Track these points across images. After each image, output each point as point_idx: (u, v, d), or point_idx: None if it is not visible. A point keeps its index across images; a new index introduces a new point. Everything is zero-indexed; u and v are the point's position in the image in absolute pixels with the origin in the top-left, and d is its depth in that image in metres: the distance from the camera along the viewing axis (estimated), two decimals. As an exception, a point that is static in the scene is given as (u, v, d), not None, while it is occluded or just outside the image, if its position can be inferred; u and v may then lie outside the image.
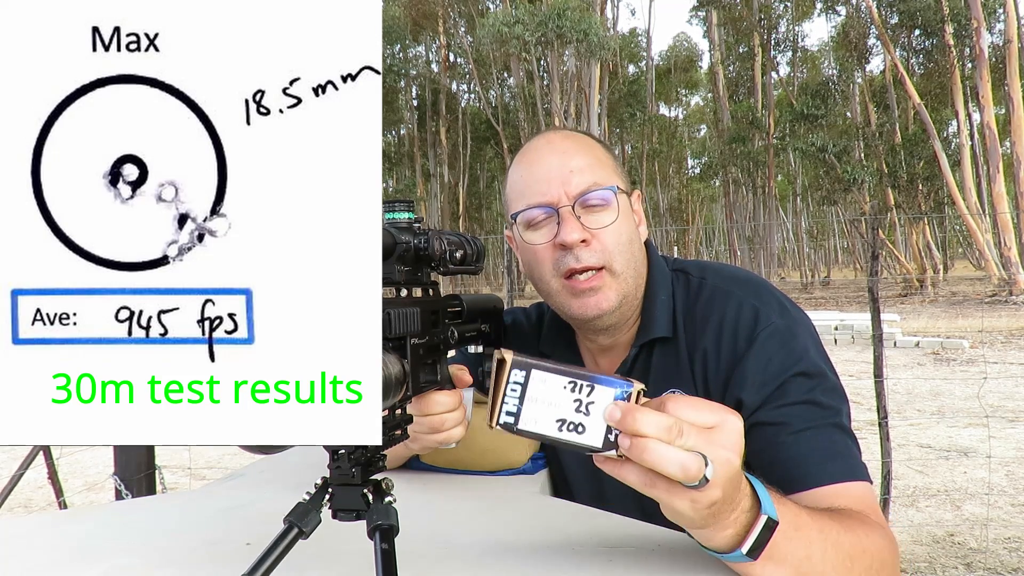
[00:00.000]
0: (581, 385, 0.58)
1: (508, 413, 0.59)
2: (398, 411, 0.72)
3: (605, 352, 1.07)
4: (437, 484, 1.07)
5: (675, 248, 37.21)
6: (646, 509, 0.99)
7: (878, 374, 3.20)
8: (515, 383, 0.59)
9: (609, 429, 0.58)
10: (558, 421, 0.58)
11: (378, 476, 0.66)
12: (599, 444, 0.58)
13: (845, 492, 0.81)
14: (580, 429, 0.58)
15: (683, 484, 0.57)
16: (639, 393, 0.59)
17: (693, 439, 0.56)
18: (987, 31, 18.00)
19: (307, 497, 0.63)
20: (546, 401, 0.59)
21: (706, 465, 0.56)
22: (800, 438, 0.84)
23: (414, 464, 1.13)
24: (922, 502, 3.90)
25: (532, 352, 1.13)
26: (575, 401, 0.58)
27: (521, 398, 0.59)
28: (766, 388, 0.89)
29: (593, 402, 0.58)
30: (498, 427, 0.60)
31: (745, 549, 0.62)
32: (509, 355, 0.59)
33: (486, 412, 1.07)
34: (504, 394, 0.59)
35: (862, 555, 0.70)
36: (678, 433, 0.56)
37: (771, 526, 0.62)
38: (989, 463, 4.08)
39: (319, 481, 0.65)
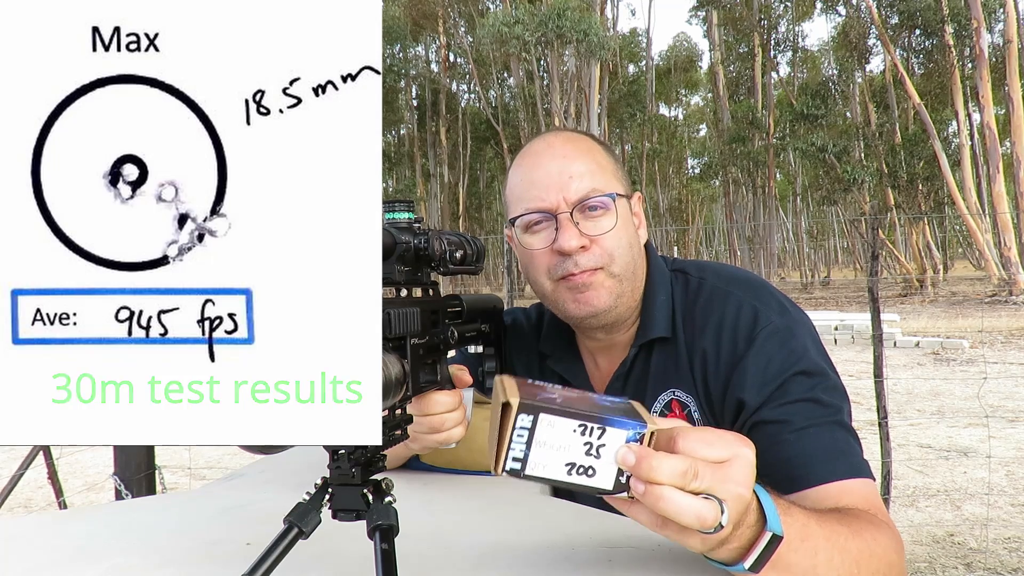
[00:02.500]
0: (592, 428, 0.56)
1: (515, 459, 0.56)
2: (398, 411, 0.72)
3: (604, 352, 1.07)
4: (437, 484, 1.07)
5: (675, 248, 37.21)
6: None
7: (878, 374, 3.20)
8: (522, 428, 0.56)
9: (620, 471, 0.56)
10: (567, 465, 0.56)
11: (378, 476, 0.66)
12: (610, 487, 0.56)
13: (849, 489, 0.81)
14: (590, 472, 0.56)
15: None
16: (652, 435, 0.56)
17: (708, 479, 0.55)
18: (987, 31, 18.00)
19: (307, 497, 0.63)
20: (555, 445, 0.56)
21: (721, 512, 0.55)
22: (802, 436, 0.84)
23: (414, 464, 1.13)
24: (922, 502, 3.90)
25: (532, 353, 1.14)
26: (585, 444, 0.56)
27: (528, 443, 0.56)
28: (767, 387, 0.89)
29: (604, 444, 0.56)
30: (504, 474, 0.57)
31: (748, 564, 0.62)
32: (515, 399, 0.56)
33: (486, 411, 1.07)
34: (510, 440, 0.56)
35: (869, 559, 0.70)
36: (693, 476, 0.54)
37: (775, 542, 0.61)
38: (989, 463, 4.08)
39: (319, 481, 0.65)
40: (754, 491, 0.62)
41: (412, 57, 29.73)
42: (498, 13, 22.31)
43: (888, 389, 3.27)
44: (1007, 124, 17.11)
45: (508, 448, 0.56)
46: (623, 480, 0.56)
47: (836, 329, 10.83)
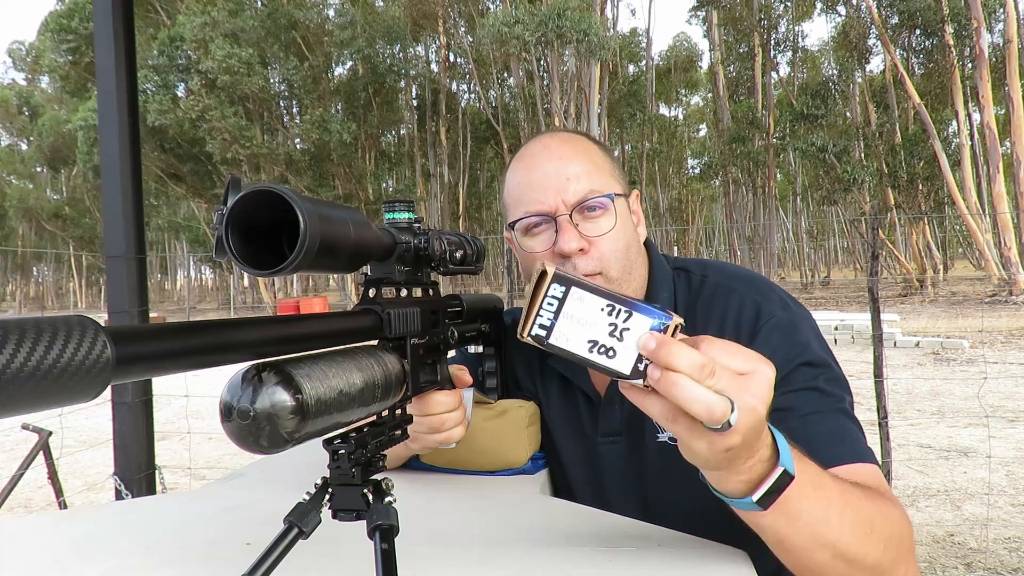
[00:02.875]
0: (619, 310, 0.57)
1: (541, 326, 0.58)
2: (398, 411, 0.72)
3: (605, 352, 1.07)
4: (437, 484, 1.07)
5: (675, 248, 37.22)
6: (646, 509, 0.99)
7: (878, 374, 3.20)
8: (553, 297, 0.57)
9: (640, 358, 0.57)
10: (590, 342, 0.57)
11: (378, 476, 0.66)
12: (627, 371, 0.57)
13: (857, 472, 0.80)
14: (611, 353, 0.57)
15: (704, 425, 0.56)
16: (676, 328, 0.57)
17: (724, 382, 0.55)
18: (987, 31, 18.00)
19: (307, 497, 0.63)
20: (581, 320, 0.57)
21: (732, 411, 0.55)
22: (807, 421, 0.84)
23: (414, 464, 1.13)
24: (922, 502, 3.90)
25: (532, 353, 1.14)
26: (610, 325, 0.57)
27: (556, 313, 0.57)
28: None
29: (628, 328, 0.57)
30: (529, 338, 0.58)
31: (756, 497, 0.61)
32: (552, 267, 0.58)
33: (486, 411, 1.07)
34: (540, 306, 0.58)
35: (883, 523, 0.69)
36: (710, 373, 0.55)
37: (786, 478, 0.61)
38: (989, 463, 4.08)
39: (319, 481, 0.65)
40: (770, 429, 0.62)
41: (412, 57, 29.69)
42: (498, 13, 22.32)
43: (888, 389, 3.28)
44: (1007, 124, 17.11)
45: (537, 314, 0.57)
46: (641, 367, 0.57)
47: (836, 329, 10.83)
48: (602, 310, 0.57)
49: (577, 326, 0.57)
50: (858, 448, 0.84)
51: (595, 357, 0.57)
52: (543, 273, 0.58)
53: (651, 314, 0.57)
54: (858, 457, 0.82)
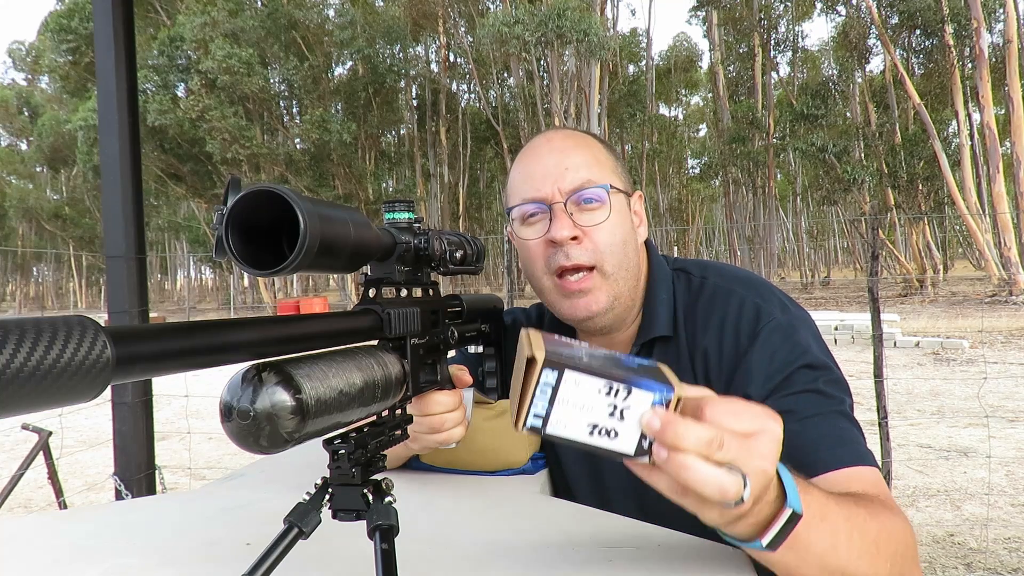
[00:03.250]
0: (618, 388, 0.53)
1: (536, 416, 0.54)
2: (398, 411, 0.72)
3: (605, 351, 1.07)
4: (437, 484, 1.07)
5: (675, 248, 37.22)
6: (646, 509, 0.99)
7: (878, 374, 3.20)
8: (546, 384, 0.53)
9: (643, 435, 0.54)
10: (590, 426, 0.54)
11: (378, 476, 0.66)
12: (632, 451, 0.54)
13: (857, 476, 0.80)
14: (612, 434, 0.54)
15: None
16: (679, 401, 0.54)
17: (734, 452, 0.53)
18: (987, 31, 18.00)
19: (307, 497, 0.63)
20: (578, 404, 0.54)
21: (744, 485, 0.53)
22: (807, 425, 0.84)
23: (414, 464, 1.13)
24: (922, 502, 3.90)
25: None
26: (610, 405, 0.54)
27: (551, 400, 0.53)
28: (771, 381, 0.89)
29: (629, 407, 0.54)
30: (525, 431, 0.54)
31: (765, 541, 0.60)
32: (541, 352, 0.53)
33: (486, 411, 1.07)
34: (533, 396, 0.53)
35: (888, 540, 0.69)
36: (719, 446, 0.53)
37: (794, 519, 0.60)
38: (989, 463, 4.08)
39: (319, 481, 0.65)
40: (776, 470, 0.60)
41: (412, 57, 29.70)
42: (498, 13, 22.32)
43: (888, 389, 3.28)
44: (1007, 124, 17.11)
45: (531, 404, 0.54)
46: (645, 445, 0.54)
47: (836, 329, 10.83)
48: (600, 391, 0.53)
49: (575, 411, 0.54)
50: (858, 451, 0.84)
51: (597, 441, 0.54)
52: (531, 360, 0.53)
53: (651, 388, 0.54)
54: (858, 460, 0.82)
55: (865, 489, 0.78)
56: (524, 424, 0.54)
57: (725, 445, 0.53)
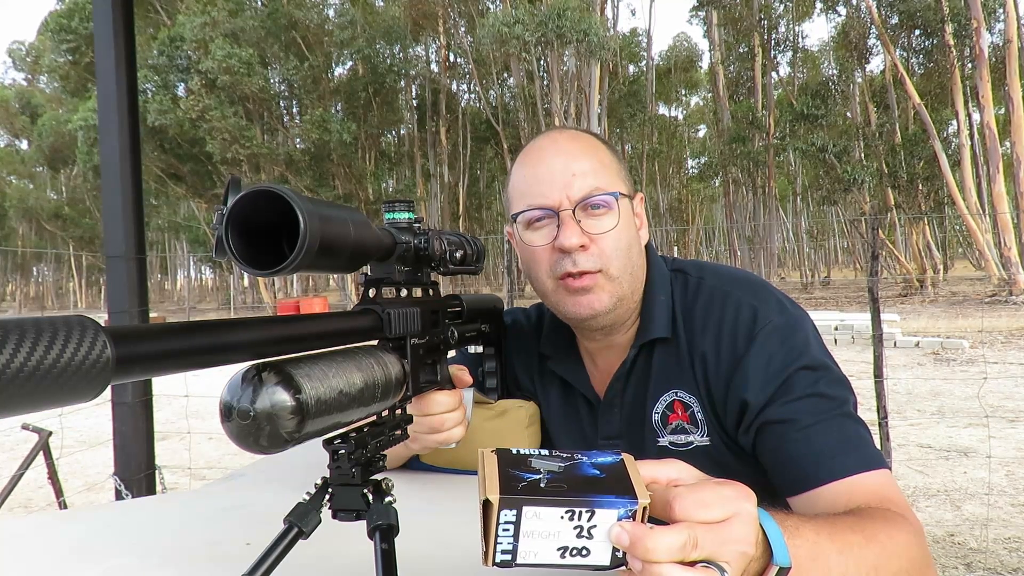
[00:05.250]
0: (580, 512, 0.53)
1: (504, 551, 0.53)
2: (398, 411, 0.72)
3: (604, 353, 1.07)
4: (437, 484, 1.07)
5: (675, 248, 37.22)
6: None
7: (878, 374, 3.20)
8: (507, 523, 0.53)
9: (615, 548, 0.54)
10: (559, 549, 0.54)
11: (378, 476, 0.66)
12: (607, 563, 0.54)
13: (862, 483, 0.80)
14: (585, 552, 0.54)
15: None
16: (644, 510, 0.53)
17: (708, 547, 0.53)
18: (987, 31, 18.00)
19: (307, 497, 0.63)
20: (544, 533, 0.53)
21: (722, 573, 0.53)
22: (810, 433, 0.84)
23: (414, 464, 1.13)
24: (922, 502, 3.90)
25: (532, 353, 1.14)
26: (575, 527, 0.53)
27: (515, 535, 0.53)
28: (770, 385, 0.89)
29: (595, 525, 0.53)
30: (494, 567, 0.54)
31: None
32: (495, 495, 0.52)
33: (486, 411, 1.07)
34: (496, 535, 0.53)
35: (888, 561, 0.68)
36: (692, 547, 0.52)
37: (783, 574, 0.59)
38: (989, 463, 4.08)
39: (319, 481, 0.65)
40: (759, 521, 0.60)
41: (412, 57, 29.69)
42: (498, 13, 22.32)
43: (888, 389, 3.28)
44: (1007, 124, 17.11)
45: (495, 543, 0.53)
46: (620, 555, 0.54)
47: (836, 329, 10.83)
48: (562, 518, 0.53)
49: (541, 540, 0.53)
50: (864, 455, 0.83)
51: (570, 560, 0.54)
52: (487, 503, 0.53)
53: (614, 505, 0.53)
54: (865, 465, 0.82)
55: (869, 498, 0.78)
56: (493, 561, 0.54)
57: (699, 544, 0.53)
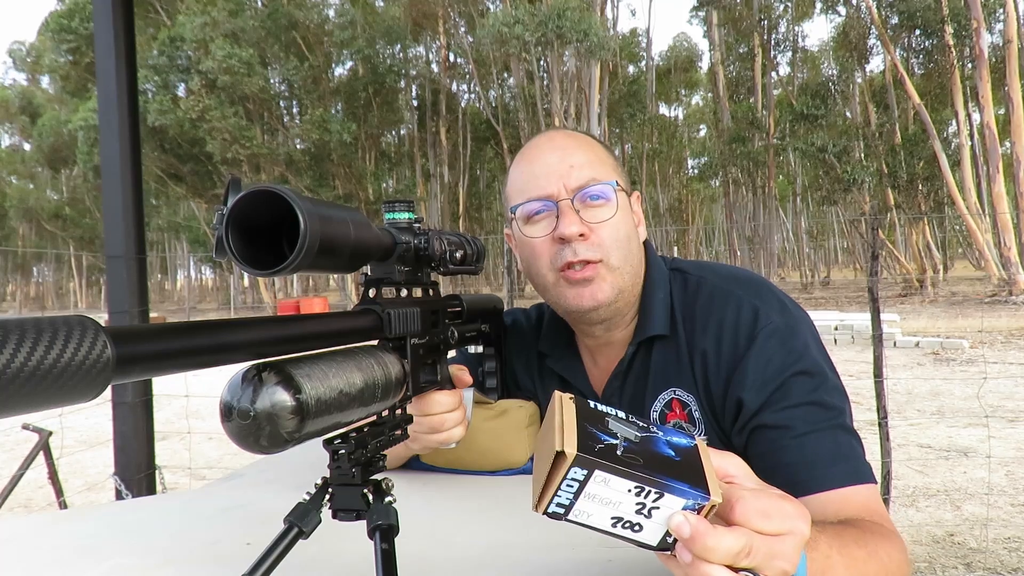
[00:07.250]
0: (649, 491, 0.52)
1: (560, 505, 0.52)
2: (398, 411, 0.72)
3: (603, 350, 1.07)
4: (437, 484, 1.07)
5: (675, 248, 37.22)
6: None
7: (878, 374, 3.19)
8: (573, 479, 0.51)
9: (669, 532, 0.53)
10: (614, 518, 0.53)
11: (378, 476, 0.66)
12: (654, 543, 0.54)
13: (851, 496, 0.81)
14: (636, 528, 0.53)
15: None
16: (712, 508, 0.52)
17: (759, 558, 0.52)
18: (987, 31, 18.00)
19: (307, 497, 0.63)
20: (605, 500, 0.52)
21: None
22: (804, 441, 0.84)
23: (414, 464, 1.13)
24: (922, 502, 3.90)
25: (531, 353, 1.14)
26: (638, 504, 0.52)
27: (577, 493, 0.52)
28: (767, 388, 0.89)
29: (658, 508, 0.52)
30: (544, 515, 0.53)
31: None
32: (572, 450, 0.51)
33: (486, 411, 1.07)
34: (558, 487, 0.52)
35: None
36: (746, 555, 0.52)
37: None
38: (989, 463, 4.08)
39: (319, 481, 0.65)
40: None
41: (412, 57, 29.67)
42: (498, 13, 22.31)
43: (888, 389, 3.27)
44: (1007, 124, 17.11)
45: (555, 495, 0.52)
46: (669, 540, 0.53)
47: (836, 329, 10.83)
48: (629, 491, 0.52)
49: (600, 506, 0.52)
50: (854, 467, 0.84)
51: (619, 531, 0.53)
52: (560, 454, 0.51)
53: (686, 495, 0.52)
54: (853, 479, 0.82)
55: (858, 511, 0.78)
56: (545, 510, 0.53)
57: (752, 553, 0.52)
